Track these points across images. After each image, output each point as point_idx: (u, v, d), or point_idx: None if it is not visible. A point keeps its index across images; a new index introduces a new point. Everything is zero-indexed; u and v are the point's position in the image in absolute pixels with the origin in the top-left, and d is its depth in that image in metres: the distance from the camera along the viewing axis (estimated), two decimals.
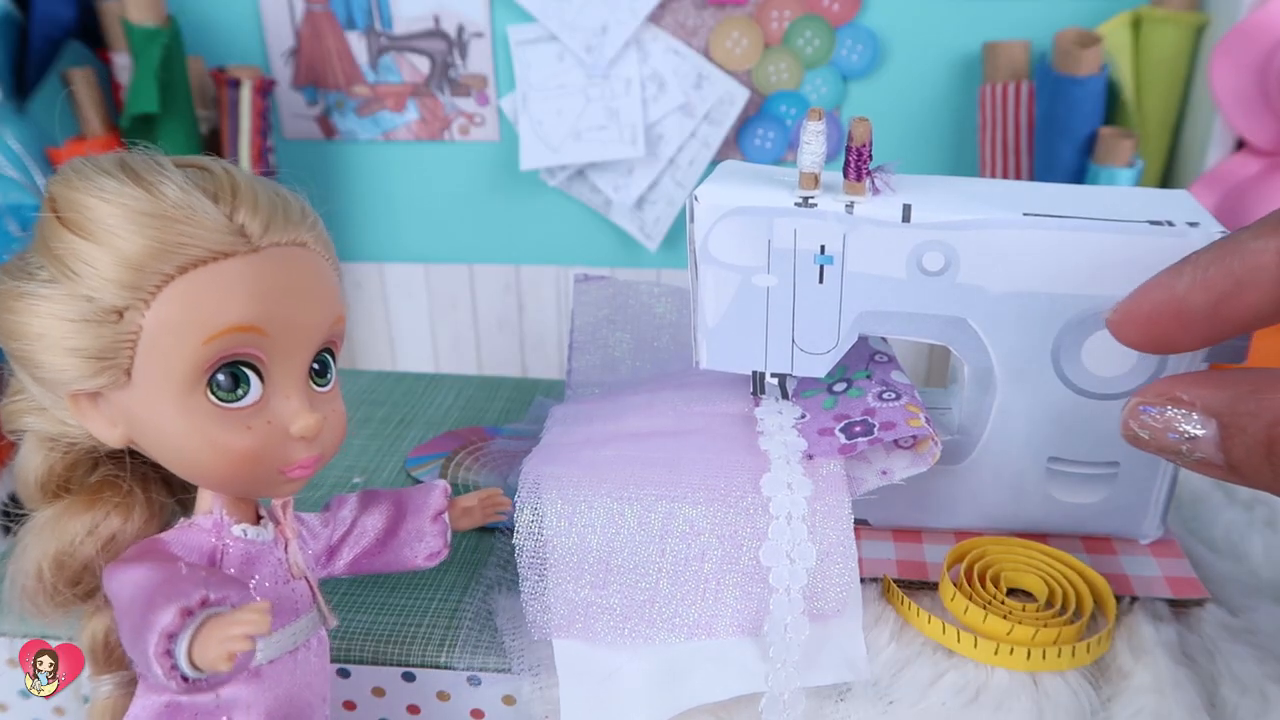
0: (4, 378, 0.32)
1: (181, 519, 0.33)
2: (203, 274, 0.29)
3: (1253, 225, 0.29)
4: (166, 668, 0.27)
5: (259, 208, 0.30)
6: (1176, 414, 0.30)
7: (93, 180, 0.29)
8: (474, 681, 0.40)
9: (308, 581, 0.34)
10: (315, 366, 0.32)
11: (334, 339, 0.32)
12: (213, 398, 0.29)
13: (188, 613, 0.27)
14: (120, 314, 0.28)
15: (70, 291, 0.28)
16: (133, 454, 0.33)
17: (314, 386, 0.32)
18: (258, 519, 0.33)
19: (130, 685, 0.34)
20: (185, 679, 0.28)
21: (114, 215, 0.28)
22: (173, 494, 0.35)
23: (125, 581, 0.30)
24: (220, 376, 0.29)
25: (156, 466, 0.34)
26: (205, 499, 0.32)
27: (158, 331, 0.28)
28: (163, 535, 0.32)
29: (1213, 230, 0.35)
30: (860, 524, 0.43)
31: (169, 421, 0.29)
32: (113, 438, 0.30)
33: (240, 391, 0.30)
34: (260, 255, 0.30)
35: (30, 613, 0.33)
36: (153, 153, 0.30)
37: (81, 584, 0.32)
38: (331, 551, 0.37)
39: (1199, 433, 0.29)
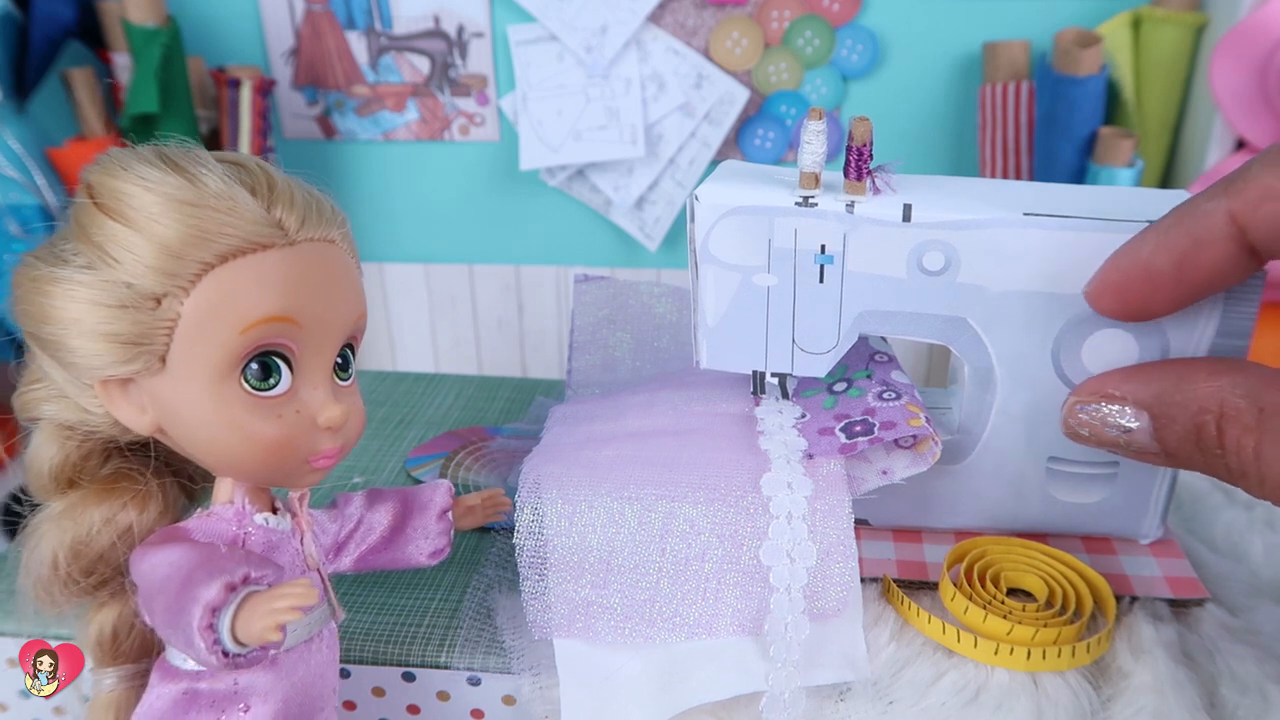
0: (15, 368, 0.32)
1: (199, 509, 0.33)
2: (241, 264, 0.29)
3: (1206, 189, 0.30)
4: (209, 642, 0.28)
5: (295, 203, 0.31)
6: (1110, 410, 0.31)
7: (134, 169, 0.29)
8: (474, 681, 0.40)
9: (320, 574, 0.34)
10: (338, 360, 0.32)
11: (356, 334, 0.33)
12: (245, 386, 0.30)
13: (231, 588, 0.28)
14: (158, 300, 0.28)
15: (108, 277, 0.28)
16: (149, 445, 0.33)
17: (336, 380, 0.32)
18: (274, 511, 0.34)
19: (134, 679, 0.34)
20: (226, 654, 0.28)
21: (155, 203, 0.28)
22: (184, 486, 0.35)
23: (159, 562, 0.30)
24: (253, 365, 0.30)
25: (170, 459, 0.34)
26: (224, 489, 0.33)
27: (195, 319, 0.29)
28: (184, 524, 0.32)
29: None
30: (860, 524, 0.43)
31: (201, 409, 0.30)
32: (141, 425, 0.31)
33: (272, 381, 0.30)
34: (295, 249, 0.30)
35: (43, 601, 0.33)
36: (189, 145, 0.31)
37: (95, 574, 0.33)
38: (338, 547, 0.38)
39: (1133, 425, 0.31)
